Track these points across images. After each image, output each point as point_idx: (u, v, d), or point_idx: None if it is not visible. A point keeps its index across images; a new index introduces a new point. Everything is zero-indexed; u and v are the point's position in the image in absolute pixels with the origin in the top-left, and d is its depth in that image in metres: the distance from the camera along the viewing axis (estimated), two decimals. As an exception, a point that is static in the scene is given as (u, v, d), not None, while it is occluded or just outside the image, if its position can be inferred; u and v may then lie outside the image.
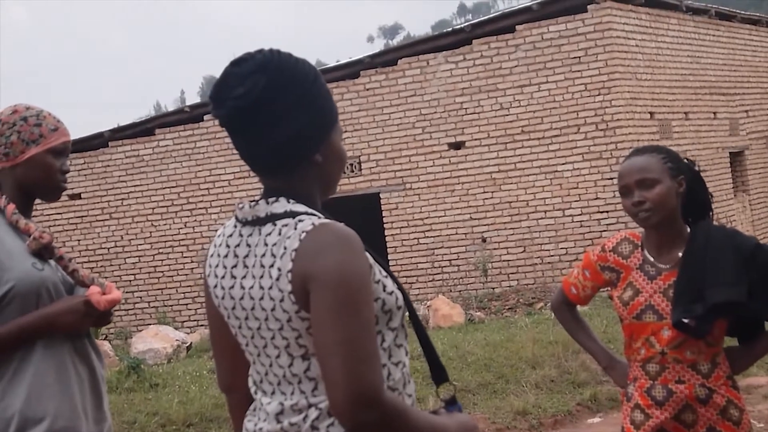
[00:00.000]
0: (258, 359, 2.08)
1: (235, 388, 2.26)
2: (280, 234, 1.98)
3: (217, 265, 2.12)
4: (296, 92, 2.00)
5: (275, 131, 1.99)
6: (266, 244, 2.00)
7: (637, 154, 3.33)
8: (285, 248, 1.95)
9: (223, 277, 2.10)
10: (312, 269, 1.90)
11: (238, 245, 2.07)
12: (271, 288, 1.97)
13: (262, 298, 1.99)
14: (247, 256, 2.04)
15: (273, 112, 1.99)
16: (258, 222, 2.04)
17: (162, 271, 16.98)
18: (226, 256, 2.10)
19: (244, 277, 2.04)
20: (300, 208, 2.01)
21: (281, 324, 1.98)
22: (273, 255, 1.97)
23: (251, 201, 2.06)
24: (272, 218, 2.01)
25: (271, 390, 2.07)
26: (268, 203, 2.03)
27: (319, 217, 1.98)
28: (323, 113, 2.06)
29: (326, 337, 1.87)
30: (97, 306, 2.81)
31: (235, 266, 2.07)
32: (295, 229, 1.96)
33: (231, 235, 2.11)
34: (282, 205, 2.02)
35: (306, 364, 2.00)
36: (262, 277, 1.99)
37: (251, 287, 2.02)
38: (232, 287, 2.07)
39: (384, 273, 2.03)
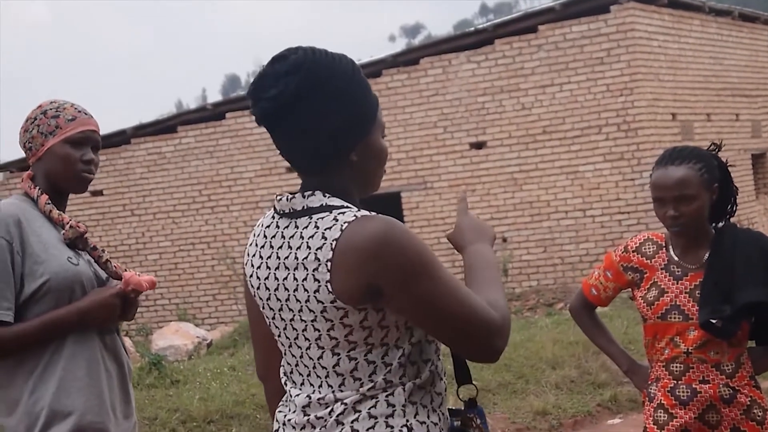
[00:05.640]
0: (289, 350, 2.10)
1: (271, 377, 2.29)
2: (316, 227, 1.99)
3: (254, 255, 2.14)
4: (330, 93, 2.01)
5: (307, 132, 2.02)
6: (302, 237, 2.01)
7: (674, 162, 3.23)
8: (325, 239, 1.96)
9: (259, 267, 2.12)
10: (366, 265, 1.93)
11: (274, 236, 2.09)
12: (305, 279, 1.99)
13: (296, 290, 2.01)
14: (281, 247, 2.06)
15: (305, 113, 2.00)
16: (294, 215, 2.06)
17: (183, 268, 17.04)
18: (263, 246, 2.12)
19: (278, 268, 2.06)
20: (336, 202, 2.03)
21: (315, 315, 2.00)
22: (308, 247, 1.99)
23: (289, 194, 2.09)
24: (308, 212, 2.03)
25: (300, 381, 2.09)
26: (304, 197, 2.05)
27: (359, 209, 2.01)
28: (360, 112, 2.08)
29: (425, 310, 1.94)
30: (139, 288, 2.83)
31: (270, 257, 2.09)
32: (336, 220, 1.97)
33: (269, 226, 2.13)
34: (318, 199, 2.04)
35: (335, 358, 2.01)
36: (296, 269, 2.01)
37: (285, 278, 2.04)
38: (267, 278, 2.09)
39: None
